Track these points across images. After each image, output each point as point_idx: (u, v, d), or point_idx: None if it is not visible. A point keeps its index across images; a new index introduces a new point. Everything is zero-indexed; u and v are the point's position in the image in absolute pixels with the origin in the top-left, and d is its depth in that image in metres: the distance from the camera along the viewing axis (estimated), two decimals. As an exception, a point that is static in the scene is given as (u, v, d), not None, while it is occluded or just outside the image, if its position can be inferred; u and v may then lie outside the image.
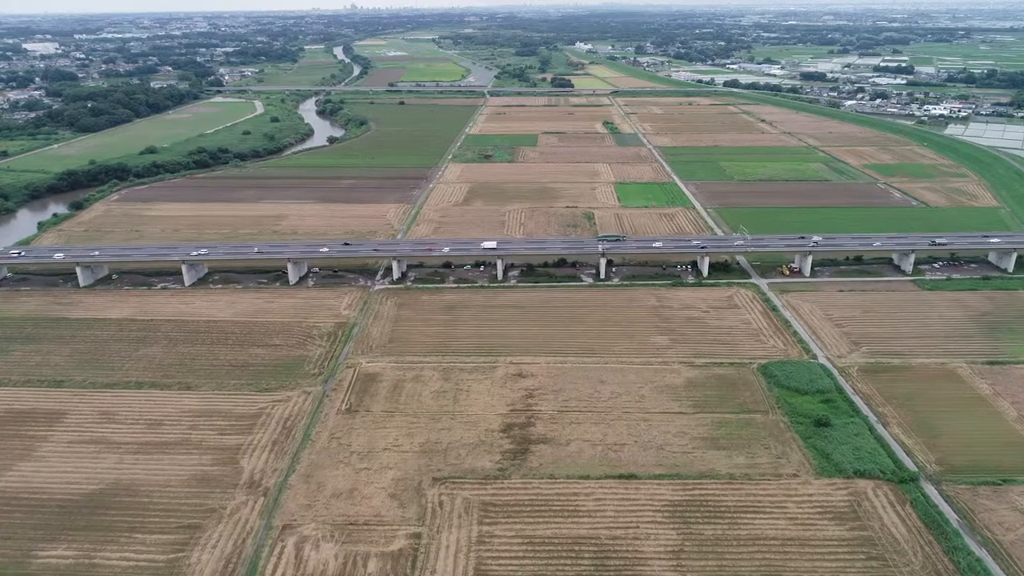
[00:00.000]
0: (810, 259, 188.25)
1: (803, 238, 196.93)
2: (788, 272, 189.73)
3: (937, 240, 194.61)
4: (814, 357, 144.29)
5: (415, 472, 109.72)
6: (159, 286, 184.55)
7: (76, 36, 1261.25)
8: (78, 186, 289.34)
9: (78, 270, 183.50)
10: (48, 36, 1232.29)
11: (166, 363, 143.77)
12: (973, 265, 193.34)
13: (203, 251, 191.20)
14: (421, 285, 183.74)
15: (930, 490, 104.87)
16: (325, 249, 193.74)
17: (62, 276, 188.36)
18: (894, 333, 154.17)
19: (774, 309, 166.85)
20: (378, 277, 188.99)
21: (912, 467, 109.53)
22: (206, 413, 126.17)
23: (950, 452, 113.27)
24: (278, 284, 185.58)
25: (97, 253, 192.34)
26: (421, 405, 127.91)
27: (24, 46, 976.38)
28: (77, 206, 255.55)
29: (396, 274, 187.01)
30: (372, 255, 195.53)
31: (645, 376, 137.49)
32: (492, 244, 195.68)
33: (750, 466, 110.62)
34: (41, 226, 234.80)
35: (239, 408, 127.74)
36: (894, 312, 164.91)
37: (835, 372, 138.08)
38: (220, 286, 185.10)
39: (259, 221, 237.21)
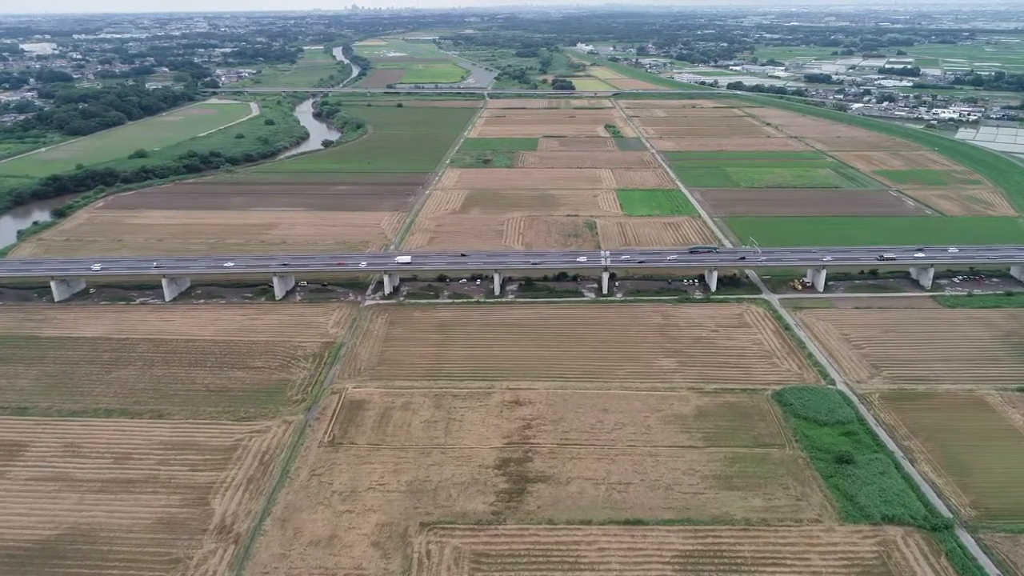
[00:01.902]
0: (823, 273, 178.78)
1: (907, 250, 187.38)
2: (800, 287, 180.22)
3: (885, 255, 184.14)
4: (832, 383, 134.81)
5: (401, 516, 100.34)
6: (138, 301, 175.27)
7: (75, 36, 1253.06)
8: (64, 191, 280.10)
9: (53, 284, 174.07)
10: (47, 36, 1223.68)
11: (139, 388, 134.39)
12: (995, 280, 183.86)
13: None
14: (414, 301, 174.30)
15: (966, 539, 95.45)
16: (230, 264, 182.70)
17: (37, 290, 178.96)
18: (916, 355, 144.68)
19: (787, 328, 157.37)
20: (369, 292, 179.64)
21: (945, 512, 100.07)
22: (178, 446, 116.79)
23: (985, 494, 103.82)
24: (263, 299, 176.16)
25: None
26: (410, 437, 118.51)
27: (21, 46, 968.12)
28: (60, 214, 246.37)
29: (388, 288, 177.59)
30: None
31: (651, 404, 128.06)
32: (406, 259, 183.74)
33: (767, 509, 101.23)
34: (21, 235, 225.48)
35: (214, 440, 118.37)
36: (915, 331, 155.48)
37: (855, 400, 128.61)
38: (202, 301, 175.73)
39: (247, 230, 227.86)
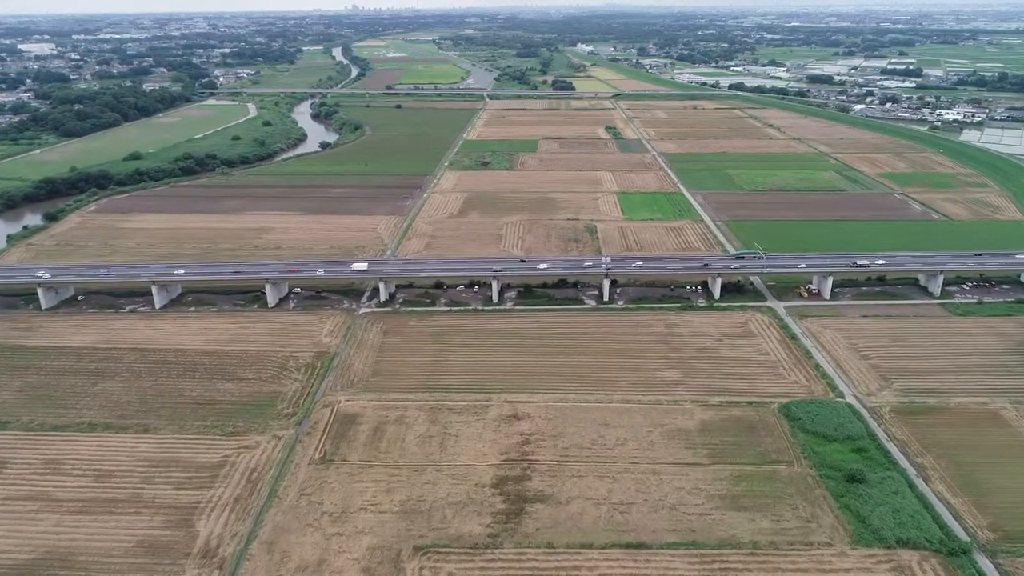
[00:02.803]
0: (830, 280, 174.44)
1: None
2: (806, 294, 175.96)
3: (859, 262, 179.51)
4: (840, 395, 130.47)
5: (394, 538, 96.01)
6: (127, 308, 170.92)
7: (74, 37, 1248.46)
8: (57, 194, 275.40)
9: (40, 291, 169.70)
10: (46, 36, 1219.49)
11: (124, 400, 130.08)
12: (1005, 287, 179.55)
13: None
14: (410, 308, 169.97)
15: (985, 564, 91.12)
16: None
17: (23, 297, 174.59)
18: (927, 366, 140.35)
19: (793, 337, 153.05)
20: (364, 299, 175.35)
21: (962, 534, 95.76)
22: (163, 462, 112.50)
23: (1003, 515, 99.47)
24: (256, 306, 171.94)
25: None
26: (404, 453, 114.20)
27: (20, 47, 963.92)
28: (51, 217, 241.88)
29: (383, 296, 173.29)
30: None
31: (654, 418, 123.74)
32: (363, 265, 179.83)
33: (776, 531, 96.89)
34: (10, 239, 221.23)
35: (200, 456, 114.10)
36: (925, 341, 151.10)
37: (865, 414, 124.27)
38: (193, 309, 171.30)
39: (242, 234, 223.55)
